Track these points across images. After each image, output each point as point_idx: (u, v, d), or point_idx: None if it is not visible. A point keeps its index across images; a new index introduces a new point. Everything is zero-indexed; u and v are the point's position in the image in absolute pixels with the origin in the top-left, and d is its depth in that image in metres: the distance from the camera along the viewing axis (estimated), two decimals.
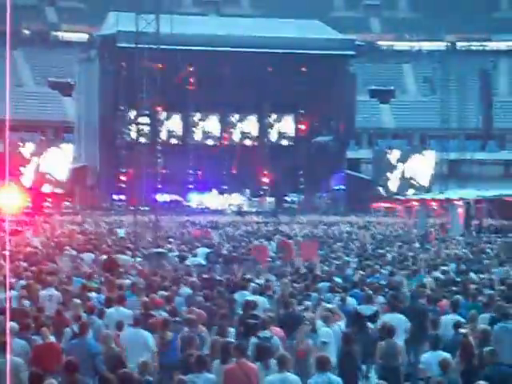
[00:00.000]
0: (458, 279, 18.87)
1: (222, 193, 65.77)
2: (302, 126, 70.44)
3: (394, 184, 70.33)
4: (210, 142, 69.99)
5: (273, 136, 71.53)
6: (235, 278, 18.91)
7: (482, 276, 19.64)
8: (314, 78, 64.86)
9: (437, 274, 20.11)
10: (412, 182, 70.54)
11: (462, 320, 13.72)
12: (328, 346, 12.92)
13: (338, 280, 18.82)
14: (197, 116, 69.29)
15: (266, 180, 68.57)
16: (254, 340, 12.27)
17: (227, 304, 15.43)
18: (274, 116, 71.22)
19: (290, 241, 30.79)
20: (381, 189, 69.38)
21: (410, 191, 67.55)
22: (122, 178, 62.17)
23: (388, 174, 70.66)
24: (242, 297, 15.96)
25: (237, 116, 70.50)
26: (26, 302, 15.30)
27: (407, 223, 49.67)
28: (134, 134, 53.57)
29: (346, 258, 24.61)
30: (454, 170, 70.94)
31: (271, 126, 71.29)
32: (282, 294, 16.47)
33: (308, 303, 15.40)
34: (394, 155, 71.29)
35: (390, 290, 17.11)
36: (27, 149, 66.56)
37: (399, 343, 12.94)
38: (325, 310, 14.22)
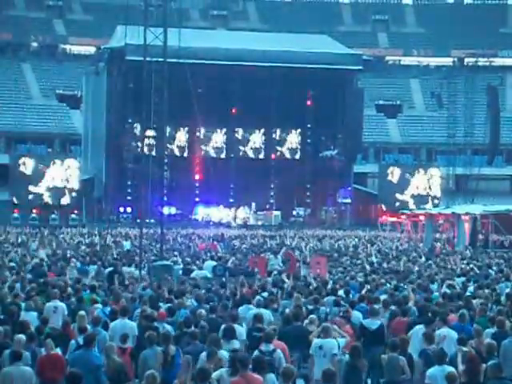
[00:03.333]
0: (465, 294, 18.79)
1: (228, 206, 65.74)
2: (309, 140, 70.44)
3: (400, 198, 70.22)
4: (216, 156, 70.00)
5: (280, 150, 71.53)
6: (241, 291, 18.85)
7: (487, 291, 19.55)
8: (321, 92, 64.95)
9: (443, 288, 20.03)
10: (418, 196, 70.41)
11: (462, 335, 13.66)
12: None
13: (344, 294, 18.75)
14: (204, 130, 69.31)
15: (272, 194, 68.55)
16: (256, 353, 12.24)
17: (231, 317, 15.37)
18: (281, 130, 71.23)
19: (294, 253, 30.77)
20: (383, 205, 69.22)
21: (417, 206, 67.38)
22: (129, 190, 62.20)
23: (394, 189, 70.60)
24: (247, 310, 15.92)
25: (244, 130, 70.53)
26: (32, 314, 15.27)
27: (414, 237, 49.60)
28: (140, 147, 53.73)
29: (352, 273, 24.53)
30: (460, 184, 70.88)
31: (278, 141, 71.30)
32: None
33: (313, 317, 15.35)
34: (400, 170, 71.22)
35: (396, 304, 17.04)
36: (34, 161, 66.71)
37: (402, 358, 12.88)
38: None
